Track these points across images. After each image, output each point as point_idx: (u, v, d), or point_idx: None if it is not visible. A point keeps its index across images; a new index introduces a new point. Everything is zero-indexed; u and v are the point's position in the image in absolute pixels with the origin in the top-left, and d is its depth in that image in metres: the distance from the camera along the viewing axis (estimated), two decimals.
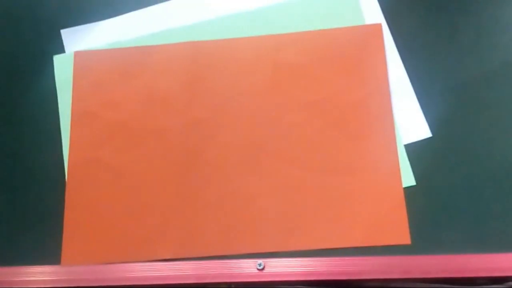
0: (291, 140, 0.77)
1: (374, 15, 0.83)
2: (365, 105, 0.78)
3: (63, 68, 0.84)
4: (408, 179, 0.74)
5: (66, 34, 0.85)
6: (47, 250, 0.75)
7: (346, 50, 0.81)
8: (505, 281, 0.70)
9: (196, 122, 0.79)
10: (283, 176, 0.76)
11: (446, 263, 0.69)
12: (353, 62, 0.80)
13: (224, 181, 0.76)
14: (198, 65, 0.82)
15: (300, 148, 0.77)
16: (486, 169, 0.74)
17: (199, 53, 0.83)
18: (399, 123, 0.77)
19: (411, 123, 0.77)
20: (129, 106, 0.81)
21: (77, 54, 0.84)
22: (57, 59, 0.85)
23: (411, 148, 0.76)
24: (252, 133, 0.78)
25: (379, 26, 0.82)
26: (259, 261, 0.71)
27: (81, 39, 0.85)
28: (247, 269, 0.71)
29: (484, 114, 0.76)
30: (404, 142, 0.76)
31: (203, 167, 0.77)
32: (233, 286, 0.71)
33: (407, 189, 0.74)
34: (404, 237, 0.71)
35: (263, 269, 0.71)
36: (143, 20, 0.86)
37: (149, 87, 0.82)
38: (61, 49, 0.85)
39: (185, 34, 0.84)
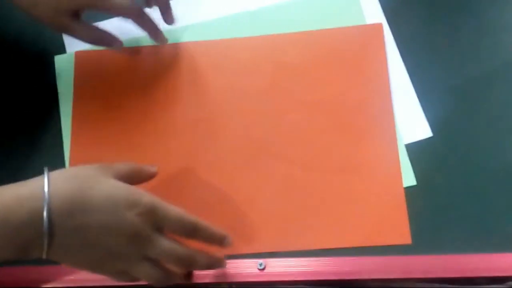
0: (291, 140, 0.77)
1: (374, 14, 0.83)
2: (365, 104, 0.78)
3: (64, 68, 0.84)
4: (408, 179, 0.74)
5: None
6: None
7: (346, 50, 0.81)
8: (505, 281, 0.70)
9: (196, 122, 0.79)
10: (283, 176, 0.75)
11: (447, 263, 0.69)
12: (354, 62, 0.80)
13: (225, 181, 0.76)
14: (198, 65, 0.82)
15: (300, 148, 0.77)
16: (487, 169, 0.74)
17: (199, 53, 0.83)
18: (400, 123, 0.77)
19: (411, 122, 0.77)
20: (130, 106, 0.81)
21: (78, 54, 0.84)
22: (58, 59, 0.85)
23: (411, 148, 0.75)
24: (252, 133, 0.78)
25: (379, 26, 0.82)
26: (260, 261, 0.71)
27: None
28: (248, 269, 0.71)
29: (485, 114, 0.76)
30: (404, 142, 0.76)
31: (203, 167, 0.77)
32: (233, 286, 0.71)
33: (408, 189, 0.74)
34: (404, 237, 0.71)
35: (264, 269, 0.71)
36: None
37: (149, 87, 0.82)
38: (62, 49, 0.85)
39: (185, 34, 0.84)
